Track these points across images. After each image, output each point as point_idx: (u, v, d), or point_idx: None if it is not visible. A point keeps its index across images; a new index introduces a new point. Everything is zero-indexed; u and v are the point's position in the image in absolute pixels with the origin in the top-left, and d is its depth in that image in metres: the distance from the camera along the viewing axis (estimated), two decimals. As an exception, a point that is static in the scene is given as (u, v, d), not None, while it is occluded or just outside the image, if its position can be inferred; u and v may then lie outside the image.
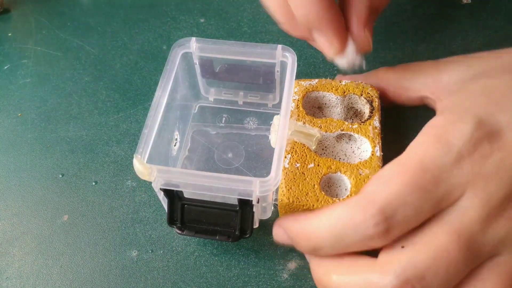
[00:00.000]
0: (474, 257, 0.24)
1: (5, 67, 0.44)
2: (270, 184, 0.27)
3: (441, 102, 0.32)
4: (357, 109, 0.35)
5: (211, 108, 0.39)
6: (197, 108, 0.38)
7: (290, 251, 0.32)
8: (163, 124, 0.31)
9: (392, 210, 0.24)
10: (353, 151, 0.32)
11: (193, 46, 0.33)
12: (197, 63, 0.35)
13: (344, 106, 0.34)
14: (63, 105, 0.41)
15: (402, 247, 0.25)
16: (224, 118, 0.38)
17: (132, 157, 0.37)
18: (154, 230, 0.33)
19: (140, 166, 0.28)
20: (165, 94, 0.31)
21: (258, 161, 0.36)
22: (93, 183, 0.36)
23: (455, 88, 0.31)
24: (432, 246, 0.24)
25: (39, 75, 0.43)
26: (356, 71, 0.33)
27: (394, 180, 0.25)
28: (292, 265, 0.32)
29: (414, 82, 0.33)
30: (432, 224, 0.25)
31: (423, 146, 0.26)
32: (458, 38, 0.42)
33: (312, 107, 0.35)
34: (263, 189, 0.27)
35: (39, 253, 0.33)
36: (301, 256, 0.32)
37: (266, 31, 0.45)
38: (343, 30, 0.29)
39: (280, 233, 0.30)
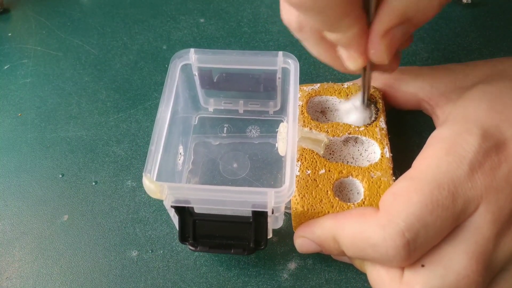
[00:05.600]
0: (489, 275, 0.25)
1: (5, 67, 0.44)
2: (285, 194, 0.26)
3: (440, 109, 0.32)
4: None
5: (211, 118, 0.38)
6: (197, 120, 0.38)
7: (290, 251, 0.32)
8: (168, 139, 0.30)
9: (414, 232, 0.24)
10: (361, 154, 0.32)
11: (192, 57, 0.33)
12: (197, 74, 0.34)
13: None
14: (63, 105, 0.41)
15: (422, 265, 0.25)
16: (225, 128, 0.37)
17: (132, 157, 0.37)
18: (154, 230, 0.33)
19: (151, 184, 0.27)
20: (168, 108, 0.31)
21: (264, 170, 0.35)
22: (93, 183, 0.36)
23: (453, 96, 0.31)
24: (453, 270, 0.24)
25: (39, 75, 0.43)
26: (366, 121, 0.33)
27: (413, 199, 0.25)
28: (292, 265, 0.32)
29: (412, 86, 0.33)
30: (449, 243, 0.25)
31: (434, 160, 0.26)
32: (458, 38, 0.42)
33: (315, 112, 0.34)
34: (278, 200, 0.26)
35: (39, 253, 0.33)
36: (301, 256, 0.32)
37: (266, 31, 0.45)
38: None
39: (305, 242, 0.30)
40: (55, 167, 0.37)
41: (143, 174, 0.27)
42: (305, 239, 0.29)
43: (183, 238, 0.30)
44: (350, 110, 0.33)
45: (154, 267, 0.32)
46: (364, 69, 0.29)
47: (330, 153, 0.32)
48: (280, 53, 0.32)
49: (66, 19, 0.47)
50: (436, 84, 0.32)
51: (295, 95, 0.30)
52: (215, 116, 0.38)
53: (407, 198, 0.25)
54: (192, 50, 0.33)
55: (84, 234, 0.34)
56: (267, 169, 0.35)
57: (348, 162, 0.32)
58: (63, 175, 0.37)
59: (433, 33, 0.43)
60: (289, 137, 0.28)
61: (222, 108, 0.37)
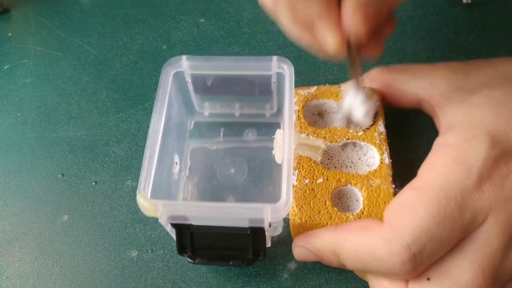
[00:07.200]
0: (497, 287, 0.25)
1: (5, 67, 0.44)
2: (282, 209, 0.26)
3: (441, 110, 0.31)
4: None
5: (207, 123, 0.37)
6: (192, 125, 0.37)
7: (290, 251, 0.32)
8: (162, 149, 0.29)
9: (420, 245, 0.24)
10: (359, 158, 0.31)
11: (184, 64, 0.32)
12: (190, 81, 0.33)
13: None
14: (63, 105, 0.41)
15: (428, 279, 0.25)
16: (222, 132, 0.36)
17: (132, 157, 0.37)
18: (154, 230, 0.33)
19: (145, 202, 0.26)
20: (161, 118, 0.30)
21: (262, 175, 0.34)
22: (93, 183, 0.36)
23: (454, 96, 0.31)
24: (459, 283, 0.24)
25: (39, 75, 0.43)
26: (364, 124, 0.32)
27: (420, 211, 0.24)
28: (292, 265, 0.32)
29: (412, 86, 0.33)
30: (456, 255, 0.25)
31: (441, 169, 0.26)
32: (458, 38, 0.42)
33: (313, 115, 0.34)
34: (274, 215, 0.26)
35: (39, 253, 0.33)
36: (301, 256, 0.32)
37: (266, 31, 0.45)
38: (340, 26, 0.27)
39: (303, 252, 0.29)
40: (55, 167, 0.37)
41: (137, 192, 0.27)
42: (304, 249, 0.29)
43: (181, 250, 0.29)
44: (351, 108, 0.32)
45: (154, 267, 0.32)
46: (348, 56, 0.28)
47: (328, 158, 0.31)
48: (274, 57, 0.31)
49: (66, 19, 0.47)
50: (437, 84, 0.32)
51: (291, 102, 0.29)
52: (210, 120, 0.37)
53: (413, 211, 0.25)
54: (184, 57, 0.32)
55: (84, 234, 0.34)
56: (265, 174, 0.34)
57: (347, 166, 0.31)
58: (63, 175, 0.37)
59: (433, 33, 0.43)
60: (284, 146, 0.28)
61: (218, 112, 0.36)
